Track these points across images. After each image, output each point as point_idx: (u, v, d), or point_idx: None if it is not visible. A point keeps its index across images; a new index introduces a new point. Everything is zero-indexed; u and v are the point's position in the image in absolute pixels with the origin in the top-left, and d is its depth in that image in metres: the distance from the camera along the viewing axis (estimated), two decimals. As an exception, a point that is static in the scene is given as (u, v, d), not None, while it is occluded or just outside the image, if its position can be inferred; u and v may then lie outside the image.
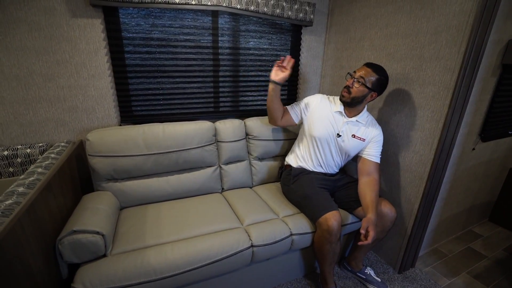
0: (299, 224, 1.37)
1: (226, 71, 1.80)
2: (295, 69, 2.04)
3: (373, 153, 1.45)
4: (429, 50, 1.34)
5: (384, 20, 1.55)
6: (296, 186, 1.50)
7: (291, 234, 1.33)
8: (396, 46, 1.50)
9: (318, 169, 1.55)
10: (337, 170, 1.61)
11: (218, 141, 1.65)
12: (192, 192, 1.58)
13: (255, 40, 1.82)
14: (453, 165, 1.63)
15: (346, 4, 1.84)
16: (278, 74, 1.41)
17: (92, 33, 1.44)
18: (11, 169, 1.37)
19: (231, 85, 1.85)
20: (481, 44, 1.23)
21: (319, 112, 1.49)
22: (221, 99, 1.85)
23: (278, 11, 1.72)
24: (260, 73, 1.92)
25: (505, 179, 2.17)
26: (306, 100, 1.56)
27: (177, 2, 1.46)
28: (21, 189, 0.95)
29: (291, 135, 1.83)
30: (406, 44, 1.44)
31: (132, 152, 1.41)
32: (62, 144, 1.45)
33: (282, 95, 2.06)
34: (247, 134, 1.75)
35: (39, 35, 1.35)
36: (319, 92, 2.21)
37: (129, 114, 1.64)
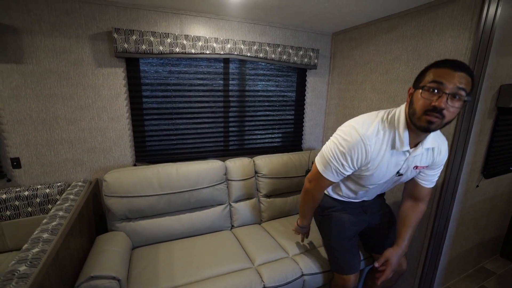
0: (310, 264, 1.38)
1: (236, 111, 1.91)
2: (301, 107, 2.15)
3: (430, 178, 1.11)
4: (428, 96, 1.44)
5: (384, 67, 1.68)
6: (324, 224, 1.29)
7: (303, 275, 1.34)
8: (396, 91, 1.60)
9: (357, 200, 1.25)
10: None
11: (228, 180, 1.71)
12: (202, 230, 1.61)
13: (263, 83, 1.95)
14: (459, 203, 1.66)
15: (346, 50, 1.99)
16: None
17: (115, 80, 1.56)
18: (29, 209, 1.42)
19: (240, 125, 1.95)
20: (476, 91, 1.33)
21: (376, 162, 1.00)
22: (230, 138, 1.94)
23: (284, 57, 1.87)
24: (267, 113, 2.03)
25: (511, 213, 2.17)
26: (349, 159, 0.98)
27: (193, 53, 1.60)
28: (45, 235, 0.99)
29: (302, 171, 1.88)
30: (406, 89, 1.55)
31: (146, 193, 1.46)
32: (80, 183, 1.50)
33: (286, 137, 2.15)
34: (256, 172, 1.80)
35: (67, 84, 1.47)
36: (323, 128, 2.29)
37: (144, 154, 1.72)
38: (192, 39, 1.58)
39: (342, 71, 2.06)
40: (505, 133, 1.72)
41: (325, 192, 1.26)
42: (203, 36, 1.62)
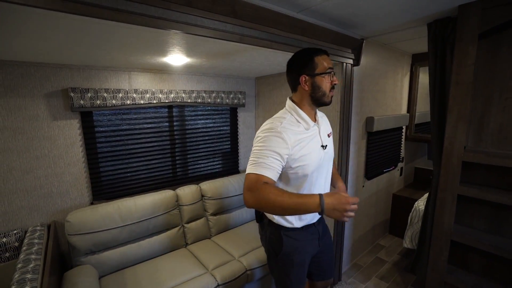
0: (251, 261, 1.81)
1: (181, 147, 2.27)
2: (235, 138, 2.64)
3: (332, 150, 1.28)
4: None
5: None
6: (282, 270, 1.20)
7: (246, 270, 1.76)
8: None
9: (310, 222, 1.20)
10: None
11: (180, 205, 2.04)
12: (161, 251, 1.89)
13: (203, 121, 2.37)
14: (351, 200, 2.35)
15: (267, 91, 2.59)
16: None
17: (70, 131, 1.76)
18: (-13, 260, 1.49)
19: (185, 157, 2.32)
20: (347, 123, 2.01)
21: (300, 145, 1.06)
22: (178, 169, 2.28)
23: (218, 100, 2.34)
24: (208, 145, 2.44)
25: (391, 202, 3.04)
26: (273, 150, 1.00)
27: (142, 103, 1.93)
28: (29, 275, 1.18)
29: (240, 191, 2.33)
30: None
31: (109, 226, 1.69)
32: (38, 227, 1.63)
33: (225, 163, 2.60)
34: (202, 196, 2.18)
35: (22, 137, 1.62)
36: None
37: (101, 192, 1.92)
38: (141, 92, 1.91)
39: (265, 107, 2.64)
40: (374, 148, 2.52)
41: (286, 225, 1.15)
42: (150, 89, 1.97)
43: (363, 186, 2.50)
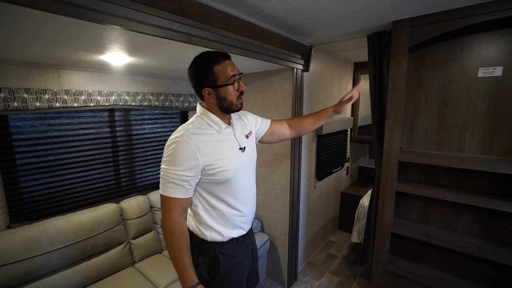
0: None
1: (125, 154, 2.05)
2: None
3: (267, 122, 1.34)
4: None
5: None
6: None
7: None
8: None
9: (243, 231, 1.14)
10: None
11: (125, 220, 1.83)
12: (103, 274, 1.67)
13: (150, 126, 2.19)
14: (304, 201, 2.43)
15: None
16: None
17: (-24, 140, 1.44)
18: None
19: (131, 166, 2.10)
20: (299, 129, 2.07)
21: (213, 149, 1.00)
22: (122, 180, 2.06)
23: (167, 103, 2.19)
24: (156, 151, 2.26)
25: (340, 199, 3.25)
26: (181, 166, 0.94)
27: (75, 106, 1.68)
28: None
29: (191, 199, 2.20)
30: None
31: (33, 253, 1.41)
32: None
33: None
34: (151, 207, 2.00)
35: None
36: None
37: (22, 212, 1.61)
38: (74, 93, 1.67)
39: (218, 111, 2.57)
40: (324, 150, 2.65)
41: (220, 239, 1.07)
42: (85, 90, 1.73)
43: (315, 187, 2.61)
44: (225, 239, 1.08)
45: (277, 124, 1.37)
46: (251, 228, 1.21)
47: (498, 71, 1.47)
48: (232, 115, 1.13)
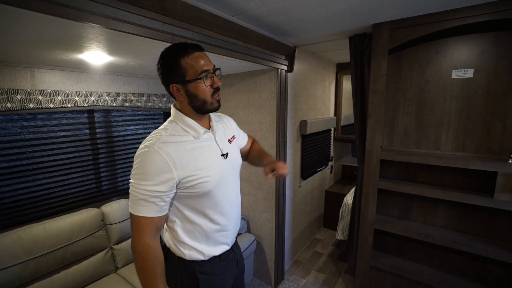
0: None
1: (106, 157, 1.98)
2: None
3: (245, 138, 1.26)
4: (260, 132, 2.11)
5: (229, 111, 2.26)
6: None
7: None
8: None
9: (227, 246, 1.04)
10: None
11: (106, 225, 1.77)
12: (84, 282, 1.60)
13: (132, 127, 2.13)
14: (289, 200, 2.45)
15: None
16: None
17: None
18: None
19: (112, 169, 2.03)
20: (284, 127, 2.09)
21: (190, 158, 0.88)
22: (104, 183, 1.98)
23: (150, 104, 2.13)
24: (140, 152, 2.20)
25: (324, 197, 3.31)
26: (152, 180, 0.82)
27: (51, 107, 1.60)
28: None
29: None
30: (245, 128, 2.17)
31: (5, 264, 1.33)
32: None
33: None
34: (135, 210, 1.94)
35: None
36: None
37: (-8, 220, 1.51)
38: (49, 94, 1.59)
39: (202, 112, 2.53)
40: (309, 150, 2.69)
41: (201, 258, 0.96)
42: (62, 90, 1.65)
43: (300, 186, 2.64)
44: (206, 258, 0.96)
45: (248, 144, 1.27)
46: (235, 241, 1.10)
47: (469, 73, 1.55)
48: (213, 116, 1.02)
